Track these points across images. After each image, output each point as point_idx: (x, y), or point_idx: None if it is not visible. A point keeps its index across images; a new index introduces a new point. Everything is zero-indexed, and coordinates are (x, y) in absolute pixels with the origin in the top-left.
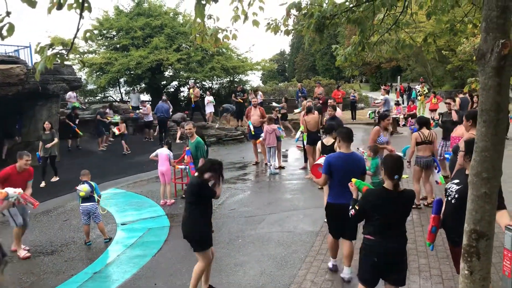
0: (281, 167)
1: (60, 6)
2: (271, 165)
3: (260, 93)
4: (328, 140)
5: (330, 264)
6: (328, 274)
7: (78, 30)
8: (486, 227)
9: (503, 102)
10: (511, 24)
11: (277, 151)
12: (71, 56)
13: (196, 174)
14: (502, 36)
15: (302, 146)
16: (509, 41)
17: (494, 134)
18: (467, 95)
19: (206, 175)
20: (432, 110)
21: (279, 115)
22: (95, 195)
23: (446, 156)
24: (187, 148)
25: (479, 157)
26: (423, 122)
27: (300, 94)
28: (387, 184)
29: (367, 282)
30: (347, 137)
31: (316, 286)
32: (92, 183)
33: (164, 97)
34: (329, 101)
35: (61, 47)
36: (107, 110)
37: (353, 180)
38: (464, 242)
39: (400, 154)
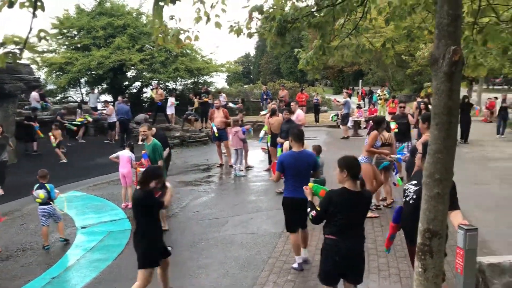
0: (248, 167)
1: (11, 4)
2: (236, 167)
3: (223, 95)
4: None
5: (296, 264)
6: (291, 275)
7: (31, 29)
8: (438, 226)
9: (454, 106)
10: (461, 31)
11: (244, 152)
12: (30, 55)
13: (138, 186)
14: (453, 43)
15: (266, 148)
16: (459, 48)
17: (446, 137)
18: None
19: (152, 184)
20: (391, 114)
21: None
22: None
23: (398, 156)
24: (144, 151)
25: (432, 159)
26: (380, 123)
27: (265, 97)
28: (349, 185)
29: (329, 282)
30: (298, 137)
31: (278, 287)
32: (48, 185)
33: (124, 98)
34: (291, 104)
35: (13, 46)
36: (78, 110)
37: (310, 184)
38: (418, 241)
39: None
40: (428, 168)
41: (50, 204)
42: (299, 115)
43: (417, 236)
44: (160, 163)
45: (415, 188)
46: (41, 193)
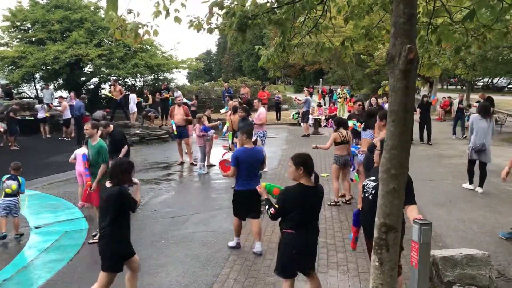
0: (210, 165)
1: None
2: (199, 165)
3: (179, 92)
4: (342, 132)
5: (234, 243)
6: (251, 272)
7: None
8: (394, 220)
9: (410, 102)
10: (416, 31)
11: (208, 149)
12: None
13: (109, 183)
14: (409, 42)
15: (227, 145)
16: (414, 46)
17: (401, 133)
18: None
19: (128, 179)
20: (349, 112)
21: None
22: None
23: (352, 149)
24: (84, 152)
25: (388, 155)
26: (341, 123)
27: (226, 94)
28: (305, 180)
29: (287, 274)
30: (249, 135)
31: (239, 284)
32: (20, 178)
33: (76, 95)
34: (254, 102)
35: None
36: (42, 106)
37: (263, 184)
38: (375, 235)
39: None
40: (384, 163)
41: (17, 197)
42: (260, 113)
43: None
44: (103, 167)
45: (374, 184)
46: (14, 185)
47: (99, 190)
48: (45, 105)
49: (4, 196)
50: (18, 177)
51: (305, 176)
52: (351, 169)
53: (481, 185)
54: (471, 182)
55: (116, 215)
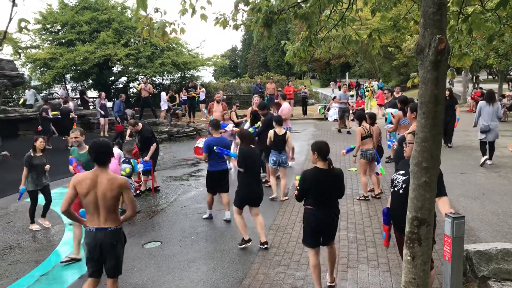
0: None
1: None
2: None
3: (203, 89)
4: (279, 130)
5: (207, 215)
6: (281, 267)
7: (11, 19)
8: (426, 214)
9: (441, 94)
10: (446, 21)
11: (235, 146)
12: (12, 51)
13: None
14: (439, 32)
15: None
16: (445, 37)
17: (432, 125)
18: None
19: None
20: (380, 105)
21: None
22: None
23: (388, 143)
24: (72, 156)
25: (419, 147)
26: (363, 117)
27: (259, 90)
28: (321, 164)
29: (310, 244)
30: (216, 127)
31: (269, 278)
32: (132, 161)
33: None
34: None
35: None
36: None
37: (296, 177)
38: (406, 229)
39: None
40: (415, 156)
41: (130, 178)
42: (283, 109)
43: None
44: None
45: (404, 178)
46: (128, 168)
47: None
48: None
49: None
50: (131, 160)
51: (320, 160)
52: (376, 163)
53: (490, 158)
54: (484, 155)
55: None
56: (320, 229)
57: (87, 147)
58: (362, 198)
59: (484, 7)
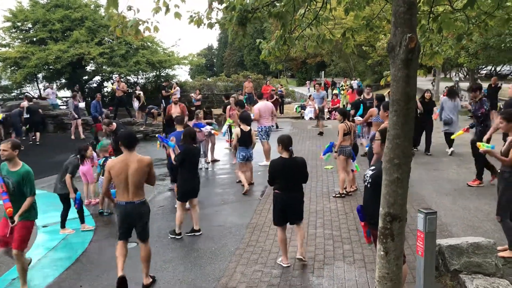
0: (214, 161)
1: None
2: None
3: (178, 88)
4: (245, 127)
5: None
6: (258, 265)
7: None
8: (398, 210)
9: (412, 92)
10: (417, 20)
11: (211, 145)
12: None
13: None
14: (409, 31)
15: (230, 140)
16: (415, 36)
17: (404, 122)
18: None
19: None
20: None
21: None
22: None
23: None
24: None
25: (391, 144)
26: (346, 114)
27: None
28: (285, 154)
29: (279, 222)
30: (181, 121)
31: (246, 277)
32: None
33: (98, 94)
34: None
35: None
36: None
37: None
38: (379, 224)
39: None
40: (387, 153)
41: None
42: (254, 109)
43: (373, 219)
44: (29, 200)
45: (371, 173)
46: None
47: (22, 228)
48: None
49: (102, 175)
50: (113, 157)
51: (284, 151)
52: (352, 160)
53: (450, 146)
54: (450, 147)
55: None
56: (286, 210)
57: (21, 164)
58: (338, 195)
59: (453, 7)
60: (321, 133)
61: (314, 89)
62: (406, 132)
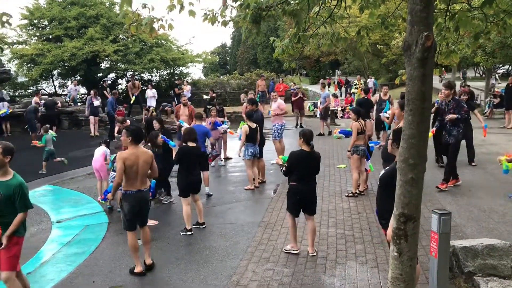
0: (227, 158)
1: None
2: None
3: (188, 86)
4: (251, 124)
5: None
6: (269, 263)
7: None
8: (413, 210)
9: (427, 91)
10: (433, 18)
11: (223, 143)
12: None
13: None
14: (426, 29)
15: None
16: (431, 34)
17: (419, 122)
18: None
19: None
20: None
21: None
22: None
23: (371, 145)
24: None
25: (406, 144)
26: (361, 113)
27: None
28: (305, 147)
29: (293, 212)
30: (199, 117)
31: (257, 275)
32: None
33: (114, 91)
34: (272, 94)
35: None
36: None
37: (280, 156)
38: (393, 225)
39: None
40: (403, 153)
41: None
42: (280, 103)
43: (383, 219)
44: (21, 217)
45: (383, 172)
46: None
47: (9, 250)
48: (6, 103)
49: (112, 170)
50: None
51: (304, 144)
52: (366, 160)
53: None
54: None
55: None
56: (301, 201)
57: (12, 173)
58: (351, 195)
59: (471, 5)
60: (320, 134)
61: (329, 87)
62: (422, 131)
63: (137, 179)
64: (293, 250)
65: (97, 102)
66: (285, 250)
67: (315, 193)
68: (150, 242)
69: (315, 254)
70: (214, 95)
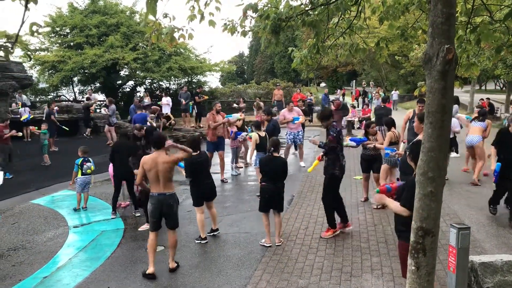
0: (240, 167)
1: None
2: (232, 165)
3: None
4: (261, 133)
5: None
6: (284, 274)
7: (23, 22)
8: (432, 224)
9: (448, 104)
10: (455, 30)
11: (244, 149)
12: (21, 53)
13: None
14: (447, 42)
15: None
16: (453, 47)
17: (439, 135)
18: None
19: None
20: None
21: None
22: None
23: (387, 151)
24: None
25: (425, 157)
26: (393, 123)
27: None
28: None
29: (263, 210)
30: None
31: (271, 286)
32: (90, 159)
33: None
34: (289, 104)
35: (4, 40)
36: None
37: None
38: (411, 239)
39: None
40: (422, 166)
41: (91, 175)
42: (299, 111)
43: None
44: None
45: (399, 184)
46: (92, 166)
47: None
48: (27, 108)
49: (82, 175)
50: (89, 158)
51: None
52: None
53: (456, 151)
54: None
55: None
56: (270, 199)
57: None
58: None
59: (493, 17)
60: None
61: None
62: (441, 144)
63: (158, 183)
64: (266, 244)
65: (109, 111)
66: (260, 243)
67: (281, 192)
68: (175, 247)
69: (281, 244)
70: (244, 104)
